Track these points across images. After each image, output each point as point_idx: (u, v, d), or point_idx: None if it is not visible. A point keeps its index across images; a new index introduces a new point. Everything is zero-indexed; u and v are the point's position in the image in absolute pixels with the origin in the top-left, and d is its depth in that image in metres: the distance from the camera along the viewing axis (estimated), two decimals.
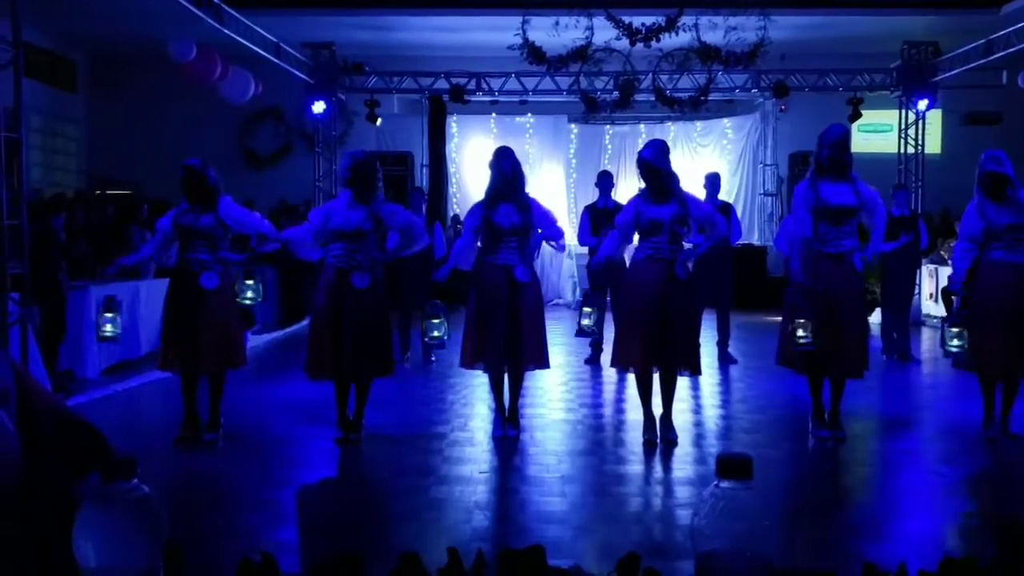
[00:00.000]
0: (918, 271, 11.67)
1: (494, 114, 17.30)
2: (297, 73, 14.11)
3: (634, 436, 6.43)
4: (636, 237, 6.37)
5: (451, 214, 16.78)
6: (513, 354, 6.29)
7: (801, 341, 6.05)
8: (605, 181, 9.90)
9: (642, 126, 17.44)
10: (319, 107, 14.46)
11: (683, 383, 7.16)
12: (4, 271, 7.28)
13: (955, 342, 6.35)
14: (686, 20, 12.61)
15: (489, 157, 6.53)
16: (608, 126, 17.64)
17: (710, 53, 13.12)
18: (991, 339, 6.17)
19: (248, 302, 6.43)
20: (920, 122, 14.68)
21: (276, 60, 13.29)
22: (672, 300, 6.08)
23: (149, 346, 9.41)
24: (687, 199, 6.22)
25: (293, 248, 6.44)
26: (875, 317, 10.92)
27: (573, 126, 17.87)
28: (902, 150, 14.81)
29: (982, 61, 13.17)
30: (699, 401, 7.91)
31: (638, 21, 12.84)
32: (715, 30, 12.59)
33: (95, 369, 8.89)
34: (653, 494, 5.42)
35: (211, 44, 12.19)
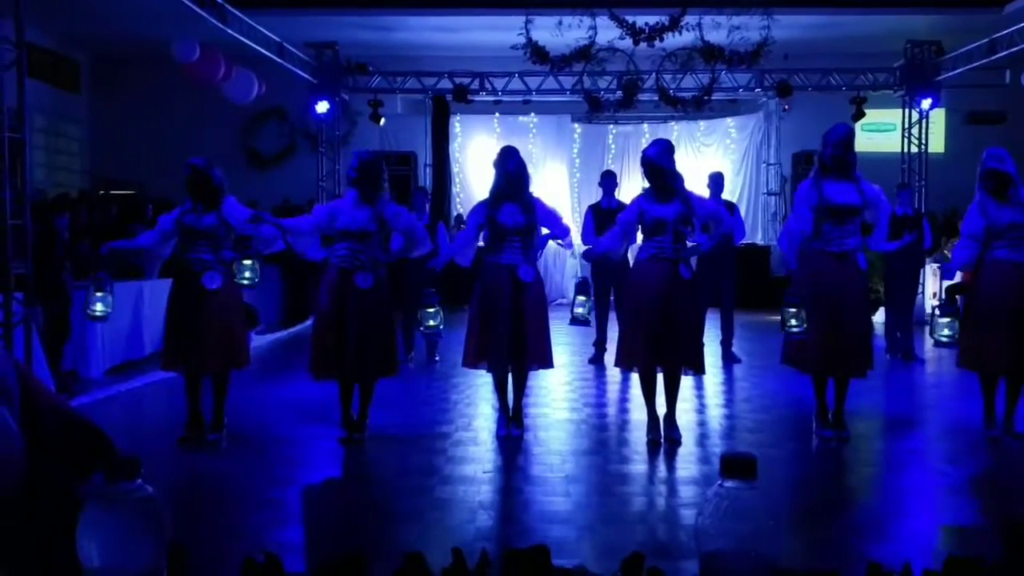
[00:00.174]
0: (922, 270, 11.68)
1: (497, 114, 17.31)
2: (301, 73, 14.12)
3: (638, 436, 6.43)
4: (640, 237, 6.37)
5: (454, 214, 16.77)
6: (517, 354, 6.29)
7: (793, 329, 6.05)
8: (609, 181, 9.91)
9: (646, 126, 17.45)
10: (323, 107, 14.48)
11: (687, 382, 7.15)
12: (8, 271, 7.29)
13: (945, 332, 6.34)
14: (689, 20, 12.60)
15: (493, 157, 6.55)
16: (612, 126, 17.65)
17: (714, 53, 13.12)
18: (994, 338, 6.14)
19: (246, 282, 6.39)
20: (923, 121, 14.67)
21: (280, 60, 13.30)
22: (676, 300, 6.07)
23: (153, 346, 9.41)
24: (691, 198, 6.22)
25: (292, 240, 6.40)
26: (879, 316, 10.93)
27: (577, 126, 17.88)
28: (905, 149, 14.79)
29: (985, 60, 13.17)
30: (703, 401, 7.90)
31: (641, 20, 12.84)
32: (718, 30, 12.58)
33: (99, 369, 8.91)
34: (657, 494, 5.41)
35: (214, 44, 12.20)
